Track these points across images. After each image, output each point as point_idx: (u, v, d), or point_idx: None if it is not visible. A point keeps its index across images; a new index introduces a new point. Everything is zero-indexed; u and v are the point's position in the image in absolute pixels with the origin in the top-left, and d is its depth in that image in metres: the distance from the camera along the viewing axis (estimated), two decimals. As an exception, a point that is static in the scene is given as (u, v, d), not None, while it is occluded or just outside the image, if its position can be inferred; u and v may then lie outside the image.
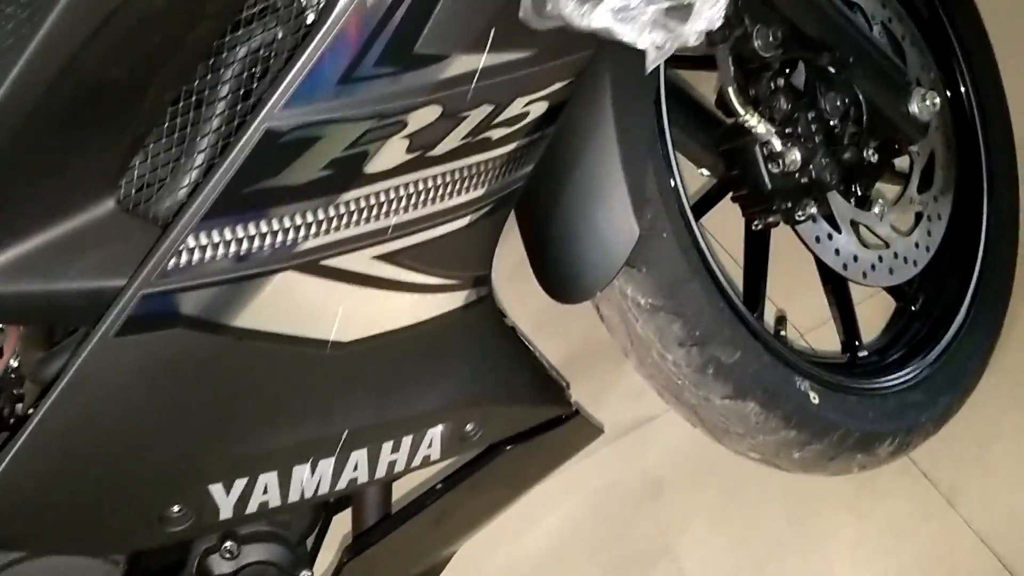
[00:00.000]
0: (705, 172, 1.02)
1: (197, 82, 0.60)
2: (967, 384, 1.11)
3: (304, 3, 0.57)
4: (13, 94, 0.52)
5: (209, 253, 0.58)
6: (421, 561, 0.92)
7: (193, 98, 0.60)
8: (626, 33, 0.50)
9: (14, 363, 0.73)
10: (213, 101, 0.61)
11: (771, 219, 0.93)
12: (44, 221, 0.59)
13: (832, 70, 0.92)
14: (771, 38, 0.87)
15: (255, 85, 0.61)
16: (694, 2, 0.49)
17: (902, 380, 1.06)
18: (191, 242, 0.57)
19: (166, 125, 0.61)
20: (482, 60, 0.60)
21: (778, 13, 0.88)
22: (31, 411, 0.70)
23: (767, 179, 0.89)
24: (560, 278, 0.81)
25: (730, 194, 0.97)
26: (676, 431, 1.32)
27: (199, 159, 0.62)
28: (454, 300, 0.73)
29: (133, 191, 0.62)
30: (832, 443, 0.95)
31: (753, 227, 0.96)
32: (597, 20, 0.50)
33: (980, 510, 1.12)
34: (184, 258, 0.58)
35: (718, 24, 0.50)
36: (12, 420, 0.74)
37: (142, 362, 0.60)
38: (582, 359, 1.38)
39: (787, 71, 0.93)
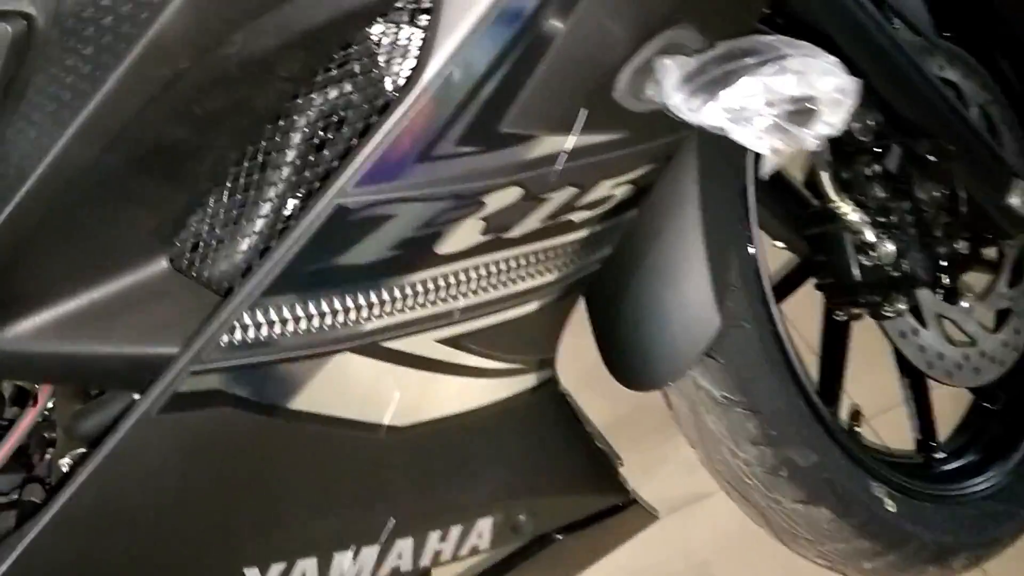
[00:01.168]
0: (780, 244, 0.96)
1: (264, 143, 0.56)
2: (1052, 494, 1.02)
3: (384, 71, 0.53)
4: (68, 151, 0.48)
5: (266, 330, 0.53)
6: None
7: (259, 159, 0.56)
8: (742, 135, 0.44)
9: (49, 404, 0.69)
10: (279, 165, 0.56)
11: (856, 311, 0.86)
12: (91, 279, 0.55)
13: (931, 158, 0.86)
14: (869, 122, 0.81)
15: (325, 151, 0.56)
16: (818, 107, 0.43)
17: (980, 487, 0.97)
18: (247, 318, 0.53)
19: (228, 185, 0.57)
20: (570, 141, 0.55)
21: (878, 96, 0.82)
22: (62, 464, 0.67)
23: (857, 270, 0.82)
24: (632, 364, 0.75)
25: (813, 280, 0.90)
26: (727, 512, 1.24)
27: (260, 224, 0.57)
28: (516, 385, 0.67)
29: (187, 251, 0.58)
30: (906, 555, 0.87)
31: (835, 316, 0.90)
32: (709, 118, 0.45)
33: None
34: (239, 334, 0.53)
35: (842, 130, 0.45)
36: (43, 465, 0.71)
37: (185, 441, 0.55)
38: (632, 424, 1.31)
39: (882, 155, 0.86)
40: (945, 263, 0.92)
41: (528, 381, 0.68)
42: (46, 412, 0.69)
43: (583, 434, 0.77)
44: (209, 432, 0.55)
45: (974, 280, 1.05)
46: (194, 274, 0.57)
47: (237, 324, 0.52)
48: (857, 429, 0.93)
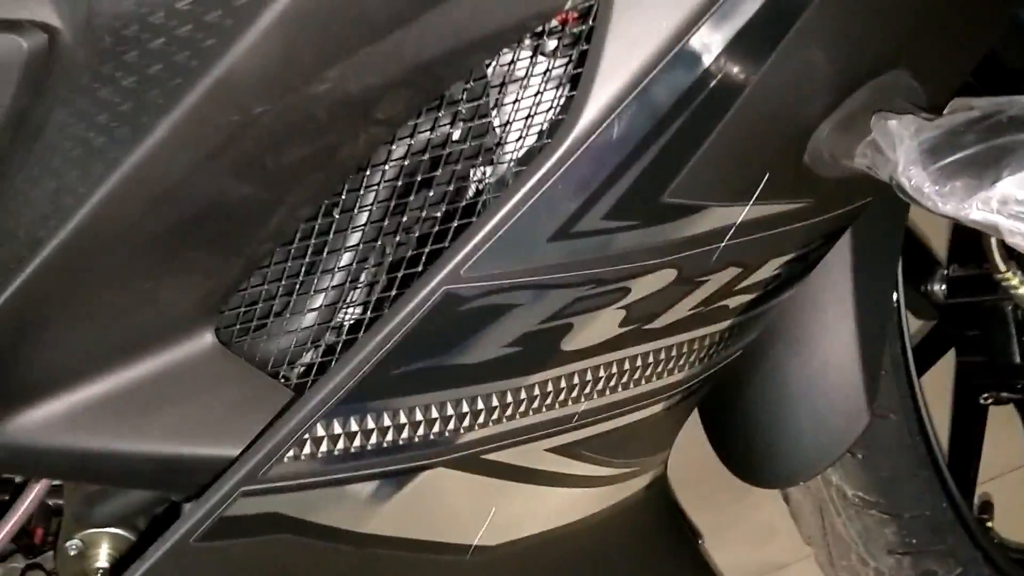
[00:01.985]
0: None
1: (344, 197, 0.43)
2: None
3: (512, 118, 0.40)
4: (97, 214, 0.36)
5: (343, 444, 0.41)
6: None
7: (335, 216, 0.44)
8: (1014, 236, 0.31)
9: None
10: (360, 225, 0.44)
11: (1005, 395, 0.73)
12: (116, 360, 0.43)
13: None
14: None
15: (423, 213, 0.43)
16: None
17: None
18: (320, 428, 0.40)
19: (294, 246, 0.44)
20: (745, 212, 0.42)
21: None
22: (69, 548, 0.55)
23: (1018, 351, 0.69)
24: (761, 459, 0.62)
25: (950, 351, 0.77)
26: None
27: (331, 295, 0.45)
28: (626, 491, 0.55)
29: (239, 324, 0.45)
30: None
31: (981, 400, 0.76)
32: (974, 213, 0.32)
33: None
34: (308, 448, 0.41)
35: None
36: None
37: (230, 573, 0.43)
38: (704, 477, 1.20)
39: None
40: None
41: (641, 482, 0.56)
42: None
43: (687, 538, 0.64)
44: (261, 563, 0.43)
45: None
46: (246, 351, 0.45)
47: (308, 437, 0.40)
48: (987, 523, 0.80)
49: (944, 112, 0.39)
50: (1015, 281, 0.68)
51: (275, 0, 0.31)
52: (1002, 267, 0.68)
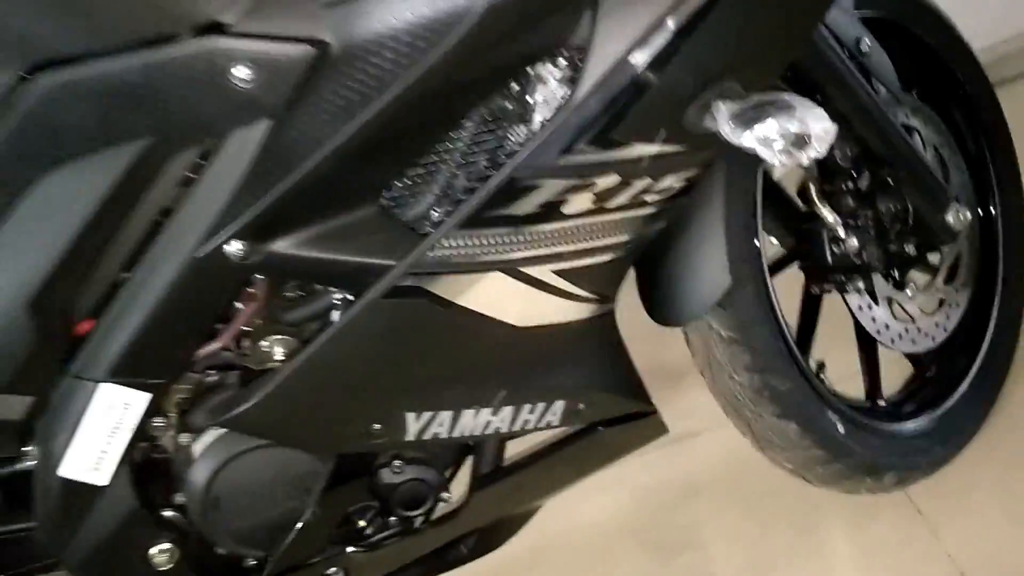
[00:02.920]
0: (774, 241, 1.25)
1: (453, 133, 0.84)
2: (961, 441, 1.32)
3: (544, 95, 0.81)
4: (346, 141, 0.76)
5: (453, 251, 0.81)
6: (521, 506, 1.14)
7: (447, 145, 0.84)
8: (765, 155, 0.72)
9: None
10: (461, 149, 0.84)
11: (827, 287, 1.16)
12: (335, 210, 0.82)
13: (890, 181, 1.14)
14: (848, 152, 1.10)
15: (487, 147, 0.84)
16: (811, 140, 0.72)
17: (911, 428, 1.27)
18: (444, 242, 0.81)
19: (424, 160, 0.84)
20: (652, 149, 0.83)
21: (856, 134, 1.11)
22: (262, 345, 0.92)
23: (830, 257, 1.12)
24: (664, 307, 1.04)
25: (797, 263, 1.19)
26: (715, 449, 1.52)
27: (442, 182, 0.85)
28: (592, 310, 0.95)
29: (392, 200, 0.85)
30: (849, 466, 1.16)
31: (812, 291, 1.19)
32: (746, 141, 0.73)
33: (958, 543, 1.30)
34: (437, 252, 0.81)
35: (825, 154, 0.73)
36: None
37: (391, 319, 0.83)
38: (645, 376, 1.60)
39: (855, 176, 1.15)
40: (896, 259, 1.21)
41: (599, 309, 0.96)
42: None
43: (626, 356, 1.05)
44: (408, 315, 0.83)
45: (920, 278, 1.35)
46: (395, 215, 0.85)
47: (437, 245, 0.80)
48: (822, 376, 1.23)
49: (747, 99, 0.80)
50: (826, 213, 1.10)
51: (457, 28, 0.71)
52: (818, 204, 1.10)
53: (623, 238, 0.89)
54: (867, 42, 1.12)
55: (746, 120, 0.74)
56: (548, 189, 0.81)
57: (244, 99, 0.75)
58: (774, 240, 1.24)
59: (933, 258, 1.31)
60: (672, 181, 0.87)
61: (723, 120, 0.76)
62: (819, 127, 0.72)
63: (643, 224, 0.90)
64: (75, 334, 0.83)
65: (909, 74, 1.26)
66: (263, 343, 0.92)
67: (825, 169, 1.12)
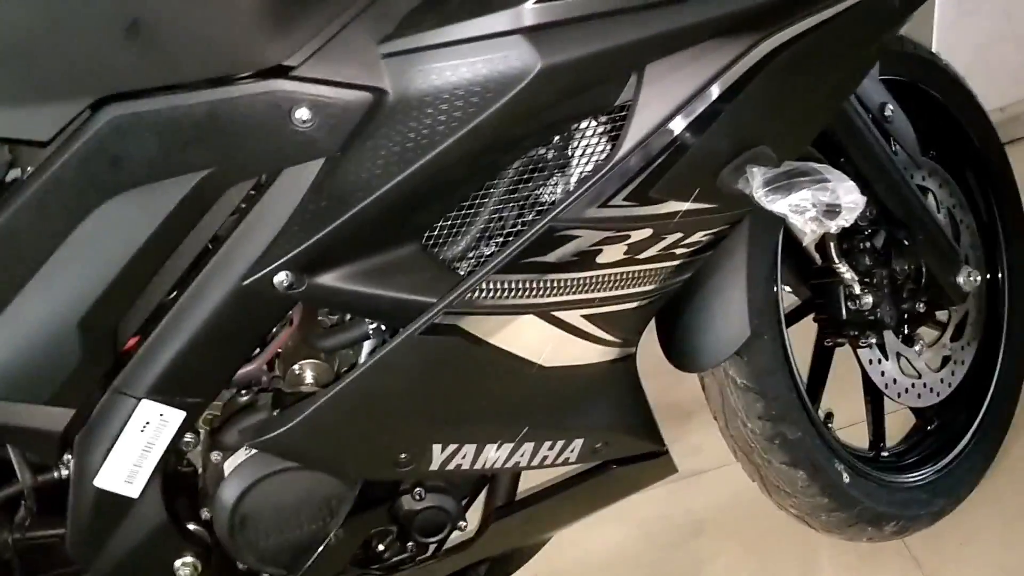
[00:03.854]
0: (788, 290, 1.28)
1: (495, 181, 0.87)
2: (961, 494, 1.35)
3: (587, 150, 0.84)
4: (396, 187, 0.78)
5: (490, 293, 0.84)
6: (533, 537, 1.16)
7: (488, 190, 0.87)
8: (796, 221, 0.76)
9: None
10: (501, 194, 0.87)
11: (840, 340, 1.19)
12: (376, 247, 0.84)
13: (905, 242, 1.18)
14: (867, 212, 1.13)
15: (526, 194, 0.86)
16: (840, 210, 0.75)
17: (912, 480, 1.30)
18: (483, 285, 0.84)
19: (465, 205, 0.87)
20: (685, 206, 0.86)
21: (875, 195, 1.15)
22: (294, 368, 0.95)
23: (845, 312, 1.15)
24: (683, 353, 1.06)
25: (812, 315, 1.22)
26: (721, 488, 1.54)
27: (479, 229, 0.87)
28: (616, 353, 0.98)
29: (433, 239, 0.88)
30: (852, 514, 1.19)
31: (824, 343, 1.22)
32: (778, 208, 0.76)
33: (952, 596, 1.34)
34: (475, 293, 0.84)
35: (851, 224, 0.76)
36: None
37: (426, 355, 0.86)
38: (656, 412, 1.63)
39: (873, 235, 1.18)
40: (907, 316, 1.24)
41: (622, 353, 0.98)
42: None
43: (643, 398, 1.08)
44: (442, 352, 0.86)
45: (928, 334, 1.38)
46: (434, 255, 0.87)
47: (476, 288, 0.83)
48: (829, 425, 1.25)
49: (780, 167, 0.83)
50: (843, 269, 1.13)
51: (511, 89, 0.73)
52: (836, 260, 1.13)
53: (651, 287, 0.92)
54: (891, 107, 1.16)
55: (779, 188, 0.77)
56: (584, 239, 0.84)
57: (302, 139, 0.78)
58: (788, 289, 1.27)
59: (941, 315, 1.34)
60: (701, 236, 0.90)
61: (757, 185, 0.79)
62: (849, 198, 0.75)
63: (671, 275, 0.93)
64: (120, 351, 0.85)
65: (927, 133, 1.30)
66: (296, 367, 0.95)
67: (844, 228, 1.15)
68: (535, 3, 0.72)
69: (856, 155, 1.10)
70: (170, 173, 0.78)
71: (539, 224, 0.82)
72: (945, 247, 1.21)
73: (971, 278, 1.23)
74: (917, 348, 1.27)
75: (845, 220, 0.75)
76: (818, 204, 0.75)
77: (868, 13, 0.84)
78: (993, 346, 1.39)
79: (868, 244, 1.17)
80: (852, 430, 1.44)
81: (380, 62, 0.77)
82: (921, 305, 1.24)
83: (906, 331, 1.26)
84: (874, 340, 1.18)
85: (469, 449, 0.94)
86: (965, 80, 1.40)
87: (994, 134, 1.43)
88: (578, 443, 1.01)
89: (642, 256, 0.88)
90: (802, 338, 1.30)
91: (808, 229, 0.75)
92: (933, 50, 1.39)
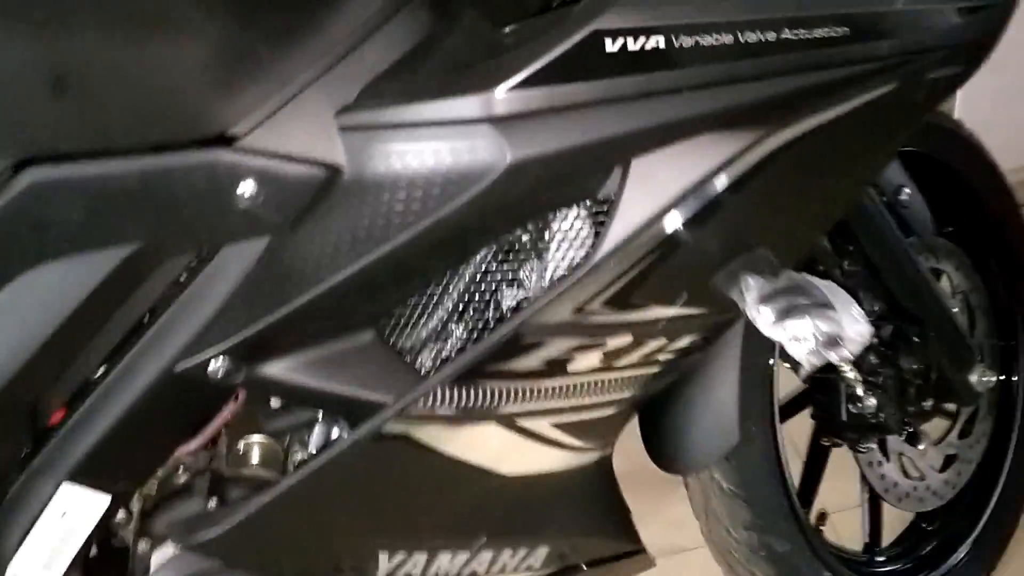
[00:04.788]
0: (787, 365, 1.18)
1: (459, 272, 0.78)
2: (957, 606, 1.25)
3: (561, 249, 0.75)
4: (340, 279, 0.70)
5: (447, 400, 0.75)
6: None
7: (451, 281, 0.77)
8: (793, 351, 0.66)
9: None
10: (466, 281, 0.78)
11: (838, 441, 1.09)
12: (333, 337, 0.76)
13: (915, 338, 1.08)
14: (874, 307, 1.04)
15: (495, 281, 0.77)
16: (843, 342, 0.66)
17: (907, 589, 1.20)
18: (438, 391, 0.75)
19: (427, 292, 0.78)
20: (672, 311, 0.77)
21: (884, 286, 1.05)
22: (239, 447, 0.87)
23: (844, 414, 1.05)
24: (665, 454, 0.97)
25: (809, 410, 1.13)
26: (705, 568, 1.45)
27: (440, 318, 0.78)
28: (588, 458, 0.89)
29: (390, 328, 0.79)
30: (840, 627, 1.10)
31: (821, 441, 1.12)
32: (775, 335, 0.67)
33: None
34: (430, 400, 0.75)
35: (854, 357, 0.67)
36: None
37: (374, 462, 0.77)
38: (636, 479, 1.53)
39: (879, 330, 1.09)
40: (912, 415, 1.14)
41: (595, 456, 0.90)
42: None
43: (619, 497, 0.99)
44: (391, 459, 0.77)
45: (933, 429, 1.28)
46: (393, 343, 0.79)
47: (430, 394, 0.74)
48: (821, 528, 1.16)
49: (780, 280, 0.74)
50: (846, 368, 1.04)
51: (477, 183, 0.65)
52: (839, 359, 1.04)
53: (629, 394, 0.83)
54: (908, 191, 1.06)
55: (778, 310, 0.68)
56: (554, 347, 0.74)
57: (245, 215, 0.69)
58: (787, 365, 1.17)
59: (949, 407, 1.25)
60: (689, 340, 0.81)
61: (752, 300, 0.70)
62: (854, 330, 0.66)
63: (652, 381, 0.83)
64: (41, 428, 0.77)
65: (944, 207, 1.20)
66: (240, 445, 0.87)
67: (849, 321, 1.06)
68: (507, 90, 0.63)
69: (867, 242, 1.00)
70: (99, 244, 0.70)
71: (503, 330, 0.73)
72: (958, 344, 1.11)
73: (984, 378, 1.13)
74: (921, 447, 1.18)
75: (848, 354, 0.66)
76: (820, 335, 0.65)
77: (890, 106, 0.74)
78: (1001, 449, 1.29)
79: (874, 341, 1.07)
80: (847, 515, 1.35)
81: (336, 135, 0.69)
82: (929, 403, 1.14)
83: (909, 429, 1.16)
84: (875, 445, 1.08)
85: (419, 559, 0.85)
86: (988, 151, 1.30)
87: (1016, 210, 1.33)
88: (543, 550, 0.92)
89: (620, 364, 0.79)
90: (798, 421, 1.21)
91: (806, 363, 0.66)
92: (956, 105, 1.29)
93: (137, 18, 0.65)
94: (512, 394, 0.76)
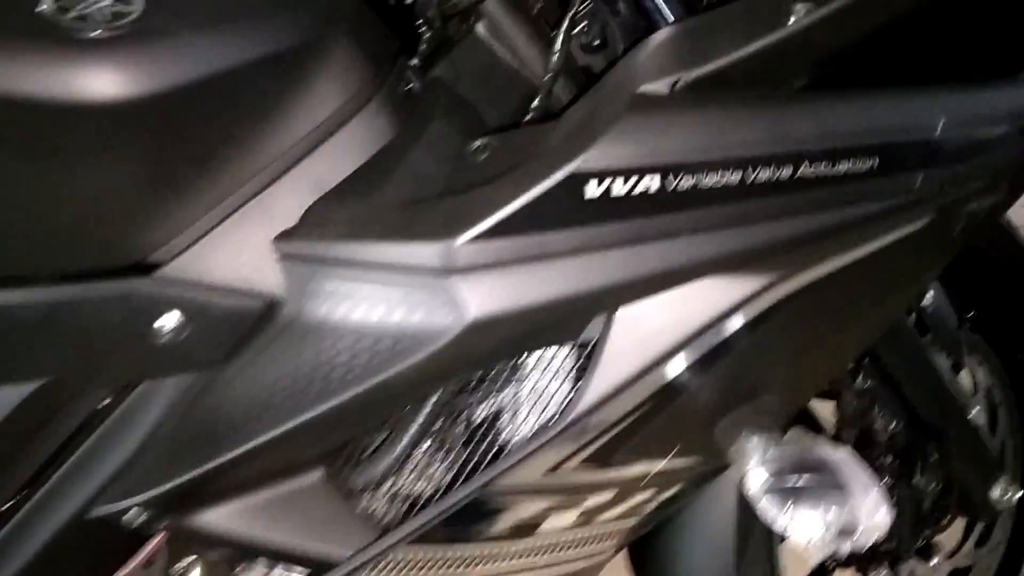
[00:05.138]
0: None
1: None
2: None
3: (534, 397, 0.65)
4: (279, 422, 0.60)
5: (401, 567, 0.65)
6: None
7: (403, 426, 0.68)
8: (800, 539, 0.56)
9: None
10: (426, 417, 0.68)
11: (843, 570, 0.99)
12: (274, 481, 0.66)
13: (934, 454, 0.98)
14: (891, 424, 0.93)
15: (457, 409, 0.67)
16: (858, 531, 0.56)
17: None
18: (390, 555, 0.65)
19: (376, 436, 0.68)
20: (660, 465, 0.67)
21: (903, 399, 0.94)
22: None
23: (852, 542, 0.95)
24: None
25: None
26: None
27: (394, 458, 0.68)
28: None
29: (340, 467, 0.69)
30: None
31: (825, 565, 1.02)
32: (778, 521, 0.57)
33: None
34: (383, 562, 0.65)
35: (869, 545, 0.57)
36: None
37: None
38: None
39: (893, 444, 0.98)
40: (927, 530, 1.04)
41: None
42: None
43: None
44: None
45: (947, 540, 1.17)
46: (343, 482, 0.69)
47: (382, 561, 0.64)
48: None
49: (785, 437, 0.64)
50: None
51: (430, 343, 0.55)
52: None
53: (612, 542, 0.73)
54: (930, 295, 0.96)
55: (783, 489, 0.58)
56: (525, 509, 0.65)
57: (166, 351, 0.60)
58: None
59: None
60: (678, 489, 0.71)
61: (754, 465, 0.60)
62: (873, 520, 0.56)
63: (636, 530, 0.74)
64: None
65: (967, 291, 1.09)
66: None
67: (862, 438, 0.96)
68: (470, 240, 0.53)
69: (886, 354, 0.90)
70: (2, 378, 0.61)
71: (467, 491, 0.62)
72: (981, 457, 1.01)
73: (1008, 495, 1.03)
74: (935, 562, 1.07)
75: (863, 543, 0.56)
76: (832, 524, 0.55)
77: (922, 243, 0.64)
78: (1018, 553, 1.18)
79: (888, 460, 0.97)
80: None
81: (274, 264, 0.59)
82: (946, 519, 1.04)
83: (923, 544, 1.06)
84: (885, 572, 0.98)
85: None
86: (1016, 227, 1.19)
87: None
88: None
89: (601, 519, 0.69)
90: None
91: (814, 557, 0.56)
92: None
93: (40, 138, 0.55)
94: (476, 556, 0.66)
